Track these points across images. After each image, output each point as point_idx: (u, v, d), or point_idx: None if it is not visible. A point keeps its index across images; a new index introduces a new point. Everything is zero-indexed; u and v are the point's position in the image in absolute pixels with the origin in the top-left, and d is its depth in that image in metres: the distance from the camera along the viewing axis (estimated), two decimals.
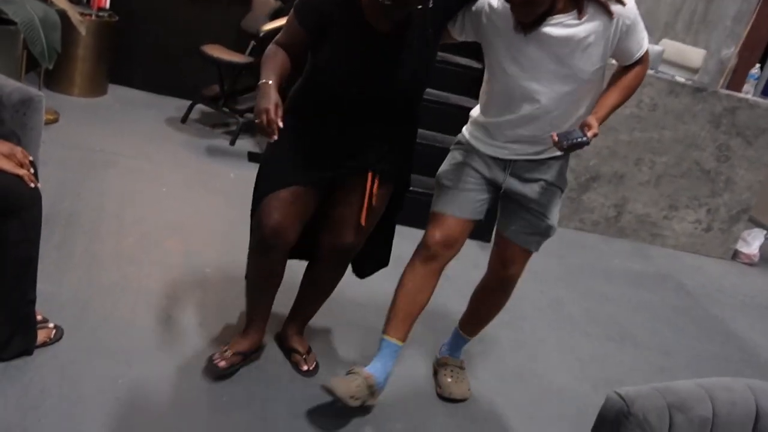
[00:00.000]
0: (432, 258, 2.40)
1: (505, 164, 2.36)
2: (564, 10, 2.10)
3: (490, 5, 2.20)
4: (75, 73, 5.01)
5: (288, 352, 2.69)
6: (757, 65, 5.31)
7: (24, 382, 2.19)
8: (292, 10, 2.18)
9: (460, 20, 2.26)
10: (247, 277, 2.49)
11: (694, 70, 5.54)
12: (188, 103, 5.11)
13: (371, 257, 2.62)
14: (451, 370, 2.72)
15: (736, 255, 5.30)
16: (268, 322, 2.60)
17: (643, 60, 2.23)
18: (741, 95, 5.03)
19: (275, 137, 1.96)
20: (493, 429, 2.61)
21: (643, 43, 2.19)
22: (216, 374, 2.44)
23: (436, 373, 2.78)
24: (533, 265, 4.08)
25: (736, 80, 6.45)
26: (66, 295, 2.69)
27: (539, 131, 2.25)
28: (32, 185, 2.17)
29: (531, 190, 2.36)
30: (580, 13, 2.09)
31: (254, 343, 2.55)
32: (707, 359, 3.56)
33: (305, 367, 2.62)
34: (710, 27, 6.64)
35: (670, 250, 5.16)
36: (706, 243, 5.23)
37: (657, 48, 5.12)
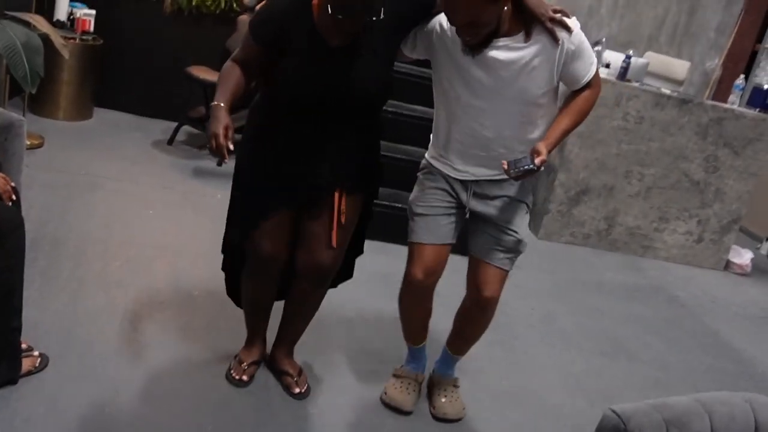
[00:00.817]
0: (420, 290, 2.49)
1: (466, 185, 2.37)
2: (510, 33, 2.12)
3: (441, 25, 2.21)
4: (60, 97, 4.98)
5: (278, 374, 2.64)
6: (742, 76, 5.33)
7: (8, 412, 2.14)
8: (247, 27, 2.21)
9: (411, 38, 2.27)
10: (243, 294, 2.57)
11: (679, 82, 5.57)
12: (174, 124, 5.09)
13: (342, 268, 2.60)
14: (445, 390, 2.68)
15: (728, 265, 5.30)
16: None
17: (593, 84, 2.24)
18: (727, 106, 5.04)
19: (227, 160, 2.02)
20: None
21: (590, 68, 2.20)
22: (240, 386, 2.55)
23: (429, 393, 2.73)
24: (524, 281, 4.10)
25: (722, 91, 6.48)
26: (51, 322, 2.64)
27: (494, 152, 2.26)
28: (9, 203, 2.14)
29: (494, 207, 2.37)
30: (527, 36, 2.11)
31: (263, 350, 2.68)
32: (703, 372, 3.53)
33: (297, 390, 2.58)
34: (693, 39, 6.69)
35: (661, 262, 5.15)
36: (698, 254, 5.23)
37: (641, 60, 5.14)
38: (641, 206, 5.05)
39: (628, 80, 4.86)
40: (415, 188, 2.49)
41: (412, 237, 2.46)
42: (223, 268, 2.62)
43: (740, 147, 5.01)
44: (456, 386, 2.71)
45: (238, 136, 2.11)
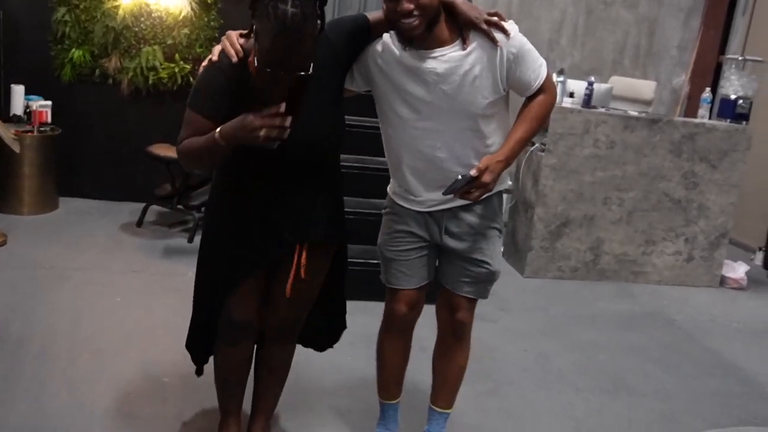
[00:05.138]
0: (403, 328, 2.45)
1: (435, 218, 2.27)
2: (446, 43, 2.05)
3: (375, 50, 2.15)
4: (23, 192, 4.88)
5: None
6: (708, 89, 5.28)
7: None
8: (187, 108, 2.07)
9: (350, 71, 2.20)
10: (216, 370, 2.41)
11: (648, 102, 5.53)
12: (142, 205, 4.98)
13: (326, 329, 2.53)
14: None
15: (723, 281, 5.16)
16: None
17: (545, 88, 2.15)
18: (697, 120, 4.99)
19: (289, 119, 1.83)
20: None
21: (540, 70, 2.12)
22: None
23: None
24: (513, 322, 3.96)
25: (693, 106, 6.46)
26: (13, 428, 2.48)
27: (451, 174, 2.13)
28: None
29: (466, 239, 2.27)
30: (465, 43, 2.04)
31: (238, 431, 2.48)
32: (709, 397, 3.36)
33: None
34: (657, 58, 6.70)
35: (654, 286, 5.01)
36: (690, 273, 5.10)
37: (605, 86, 5.11)
38: (625, 231, 4.94)
39: (594, 107, 4.81)
40: (382, 228, 2.41)
41: (388, 281, 2.40)
42: (188, 345, 2.45)
43: (716, 160, 4.93)
44: None
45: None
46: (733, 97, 5.07)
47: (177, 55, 5.20)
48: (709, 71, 6.89)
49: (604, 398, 3.23)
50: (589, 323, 4.16)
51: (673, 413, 3.16)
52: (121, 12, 5.07)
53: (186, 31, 5.19)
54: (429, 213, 2.27)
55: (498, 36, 2.03)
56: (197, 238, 4.74)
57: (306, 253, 2.21)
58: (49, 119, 4.98)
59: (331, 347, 2.59)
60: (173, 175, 4.80)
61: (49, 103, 4.99)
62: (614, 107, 5.04)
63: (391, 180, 2.38)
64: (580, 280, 4.92)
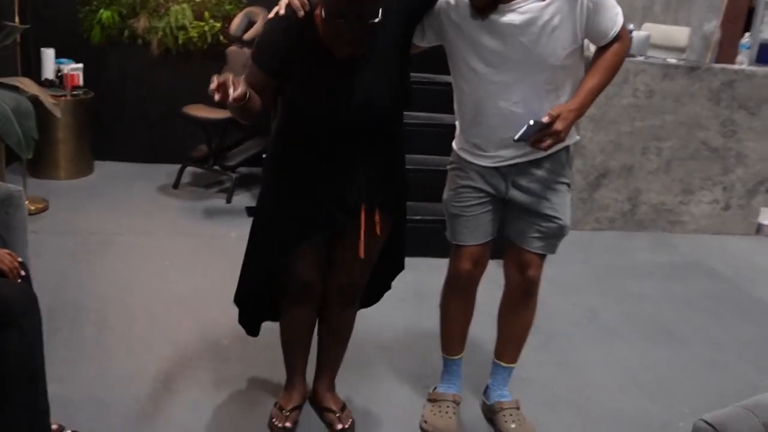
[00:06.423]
0: (467, 284, 2.46)
1: (502, 173, 2.27)
2: None
3: (448, 3, 2.12)
4: (59, 157, 4.89)
5: (321, 411, 2.53)
6: (747, 34, 5.17)
7: None
8: (250, 56, 2.12)
9: (419, 27, 2.17)
10: (282, 330, 2.47)
11: (683, 50, 5.42)
12: (178, 167, 4.98)
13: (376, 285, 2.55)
14: (510, 414, 2.50)
15: (760, 229, 5.13)
16: None
17: (620, 37, 2.11)
18: (736, 67, 4.90)
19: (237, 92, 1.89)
20: None
21: (616, 19, 2.08)
22: None
23: (493, 421, 2.55)
24: (558, 276, 3.96)
25: (724, 53, 6.31)
26: (80, 396, 2.53)
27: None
28: (18, 281, 2.03)
29: (533, 194, 2.26)
30: None
31: (304, 393, 2.54)
32: (759, 344, 3.37)
33: (340, 426, 2.46)
34: (687, 3, 6.53)
35: (691, 235, 4.98)
36: (728, 221, 5.07)
37: (643, 33, 5.01)
38: (663, 181, 4.90)
39: (632, 55, 4.72)
40: (447, 185, 2.41)
41: (453, 237, 2.40)
42: (237, 300, 2.47)
43: (756, 107, 4.85)
44: (518, 408, 2.53)
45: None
46: None
47: (206, 14, 5.13)
48: (741, 16, 6.71)
49: (655, 349, 3.25)
50: (632, 275, 4.16)
51: (726, 362, 3.17)
52: None
53: None
54: (496, 168, 2.26)
55: None
56: (236, 199, 4.76)
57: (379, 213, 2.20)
58: (81, 82, 4.95)
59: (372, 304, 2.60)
60: (209, 136, 4.78)
61: (81, 65, 4.95)
62: (652, 55, 4.94)
63: (457, 135, 2.36)
64: (618, 230, 4.90)
